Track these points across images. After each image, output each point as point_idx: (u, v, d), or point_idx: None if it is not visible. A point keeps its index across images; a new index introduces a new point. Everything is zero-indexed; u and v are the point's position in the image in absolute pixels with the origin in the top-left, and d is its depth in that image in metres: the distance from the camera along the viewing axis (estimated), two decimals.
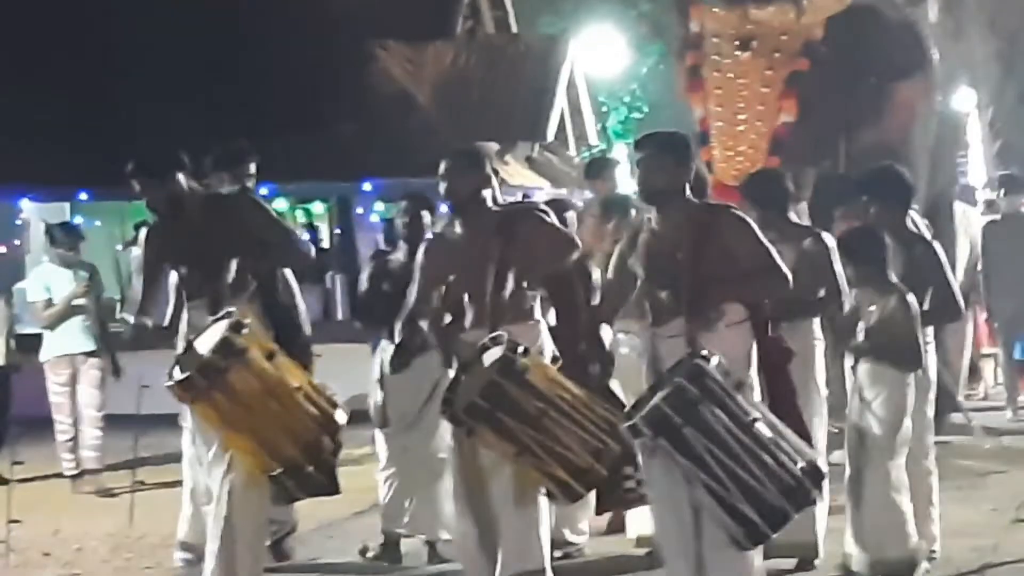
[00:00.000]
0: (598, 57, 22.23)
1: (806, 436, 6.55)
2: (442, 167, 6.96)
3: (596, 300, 7.51)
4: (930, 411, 7.50)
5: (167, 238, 7.31)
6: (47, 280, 11.17)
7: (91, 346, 11.03)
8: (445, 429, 7.03)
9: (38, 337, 11.26)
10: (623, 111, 26.89)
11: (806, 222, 8.74)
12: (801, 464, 5.95)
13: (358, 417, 8.01)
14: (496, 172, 8.16)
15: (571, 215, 8.12)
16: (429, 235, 7.68)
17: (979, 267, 12.76)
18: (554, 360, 6.84)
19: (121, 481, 10.52)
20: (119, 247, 16.47)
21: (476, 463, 6.69)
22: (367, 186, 16.07)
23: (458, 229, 6.98)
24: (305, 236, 16.25)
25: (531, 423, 6.36)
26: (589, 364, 7.32)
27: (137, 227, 15.20)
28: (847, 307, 7.48)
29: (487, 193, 6.96)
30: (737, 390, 6.00)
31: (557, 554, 7.53)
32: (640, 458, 6.27)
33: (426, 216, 8.33)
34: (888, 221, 7.46)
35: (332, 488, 6.98)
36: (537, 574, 6.67)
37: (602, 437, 6.45)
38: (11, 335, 11.74)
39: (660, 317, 6.51)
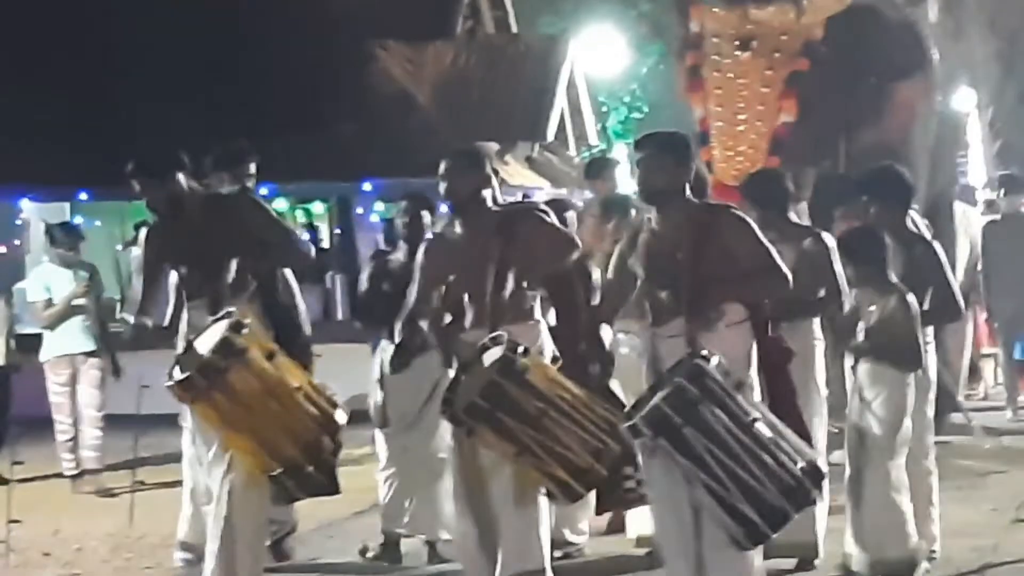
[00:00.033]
0: (598, 57, 22.23)
1: (806, 436, 6.55)
2: (442, 167, 6.96)
3: (596, 300, 7.51)
4: (930, 411, 7.50)
5: (167, 238, 7.31)
6: (47, 280, 11.17)
7: (91, 346, 11.03)
8: (445, 429, 7.03)
9: (38, 337, 11.26)
10: (623, 111, 26.89)
11: (806, 222, 8.74)
12: (801, 464, 5.95)
13: (358, 417, 8.01)
14: (496, 172, 8.15)
15: (571, 215, 8.12)
16: (429, 235, 7.68)
17: (979, 267, 12.76)
18: (554, 360, 6.84)
19: (121, 481, 10.52)
20: (119, 247, 16.47)
21: (476, 463, 6.69)
22: (367, 186, 16.07)
23: (458, 229, 6.98)
24: (305, 236, 16.24)
25: (531, 423, 6.36)
26: (589, 364, 7.32)
27: (137, 227, 15.20)
28: (847, 307, 7.47)
29: (487, 193, 6.96)
30: (737, 390, 6.00)
31: (557, 554, 7.53)
32: (640, 458, 6.27)
33: (426, 216, 8.33)
34: (888, 221, 7.45)
35: (332, 488, 6.98)
36: (537, 574, 6.67)
37: (602, 437, 6.45)
38: (11, 335, 11.74)
39: (660, 317, 6.50)
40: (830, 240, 7.67)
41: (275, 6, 17.07)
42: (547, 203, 7.91)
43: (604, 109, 25.67)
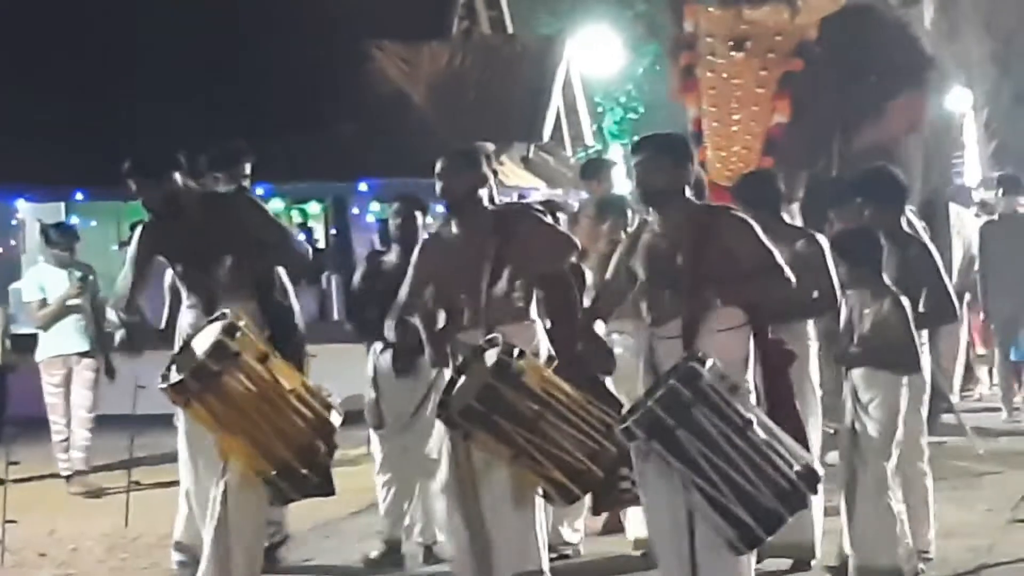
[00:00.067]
0: (594, 57, 22.20)
1: (804, 439, 6.54)
2: (438, 166, 6.97)
3: (588, 301, 7.49)
4: (924, 413, 7.50)
5: (162, 236, 7.29)
6: (42, 280, 11.16)
7: (85, 346, 11.02)
8: (440, 430, 7.03)
9: (34, 337, 11.26)
10: (619, 112, 26.89)
11: (799, 223, 8.75)
12: (796, 467, 5.95)
13: (354, 417, 8.01)
14: (496, 172, 8.15)
15: (562, 216, 8.12)
16: (425, 235, 7.68)
17: (974, 268, 12.77)
18: (550, 360, 6.84)
19: (117, 481, 10.51)
20: (115, 247, 16.46)
21: (470, 464, 6.69)
22: (363, 186, 16.05)
23: (454, 229, 6.98)
24: (300, 236, 16.22)
25: (527, 426, 6.36)
26: (589, 361, 7.28)
27: (133, 227, 15.11)
28: (842, 308, 7.46)
29: (483, 193, 6.96)
30: (732, 393, 6.00)
31: (553, 555, 7.53)
32: (634, 460, 6.28)
33: (419, 217, 8.33)
34: (882, 223, 7.45)
35: (327, 489, 6.97)
36: (535, 575, 6.67)
37: (598, 439, 6.45)
38: (7, 335, 11.74)
39: (659, 318, 6.49)
40: (824, 241, 7.67)
41: (273, 6, 17.05)
42: (538, 204, 7.92)
43: (600, 110, 25.65)
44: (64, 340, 11.02)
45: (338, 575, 8.33)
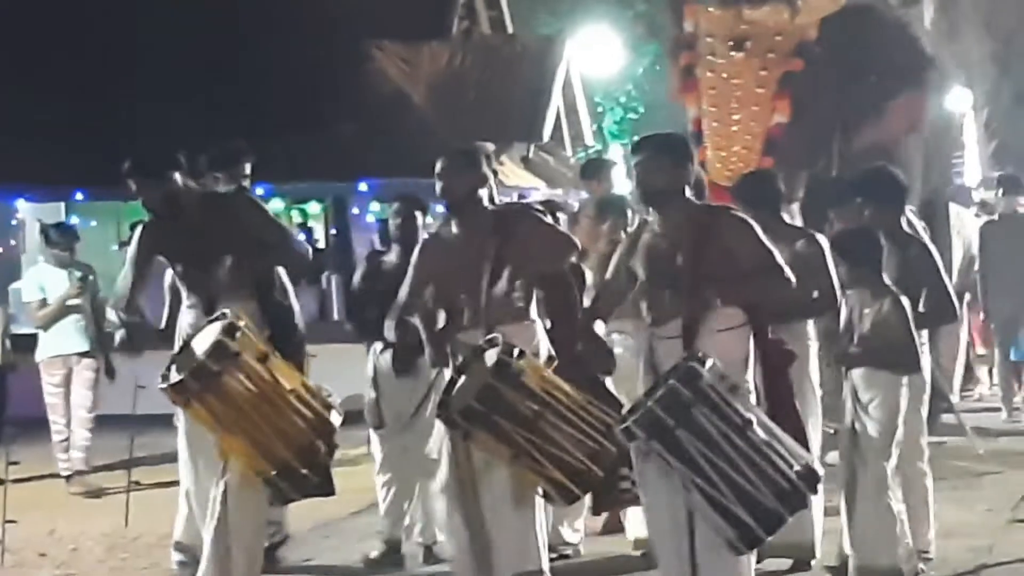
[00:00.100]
0: (594, 57, 22.20)
1: (804, 439, 6.53)
2: (438, 166, 6.97)
3: (588, 301, 7.49)
4: (924, 412, 7.50)
5: (162, 236, 7.28)
6: (42, 280, 11.17)
7: (85, 346, 11.03)
8: (440, 429, 7.02)
9: (34, 337, 11.26)
10: (619, 112, 26.88)
11: (798, 223, 8.75)
12: (796, 467, 5.95)
13: (354, 417, 8.00)
14: (496, 172, 8.15)
15: (561, 216, 8.11)
16: (426, 235, 7.68)
17: (974, 268, 12.77)
18: (550, 360, 6.84)
19: (117, 481, 10.51)
20: (115, 247, 16.46)
21: (470, 464, 6.68)
22: (363, 186, 16.05)
23: (454, 228, 6.98)
24: (301, 236, 16.22)
25: (527, 426, 6.36)
26: (589, 361, 7.28)
27: (133, 227, 15.11)
28: (842, 307, 7.46)
29: (483, 192, 6.96)
30: (732, 393, 6.00)
31: (553, 555, 7.53)
32: (634, 460, 6.28)
33: (419, 217, 8.33)
34: (882, 223, 7.45)
35: (327, 489, 6.97)
36: (535, 575, 6.67)
37: (598, 439, 6.45)
38: (7, 335, 11.74)
39: (659, 318, 6.49)
40: (823, 241, 7.67)
41: (273, 6, 17.05)
42: (537, 204, 7.92)
43: (600, 109, 25.64)
44: (64, 340, 11.02)
45: (338, 575, 8.32)
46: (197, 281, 7.20)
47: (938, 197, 11.83)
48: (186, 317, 7.29)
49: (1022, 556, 7.87)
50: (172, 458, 7.80)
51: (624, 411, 6.28)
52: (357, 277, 8.53)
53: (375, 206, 16.43)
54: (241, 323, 6.74)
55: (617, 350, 7.70)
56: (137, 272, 7.26)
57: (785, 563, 7.57)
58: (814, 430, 7.56)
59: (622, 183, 11.42)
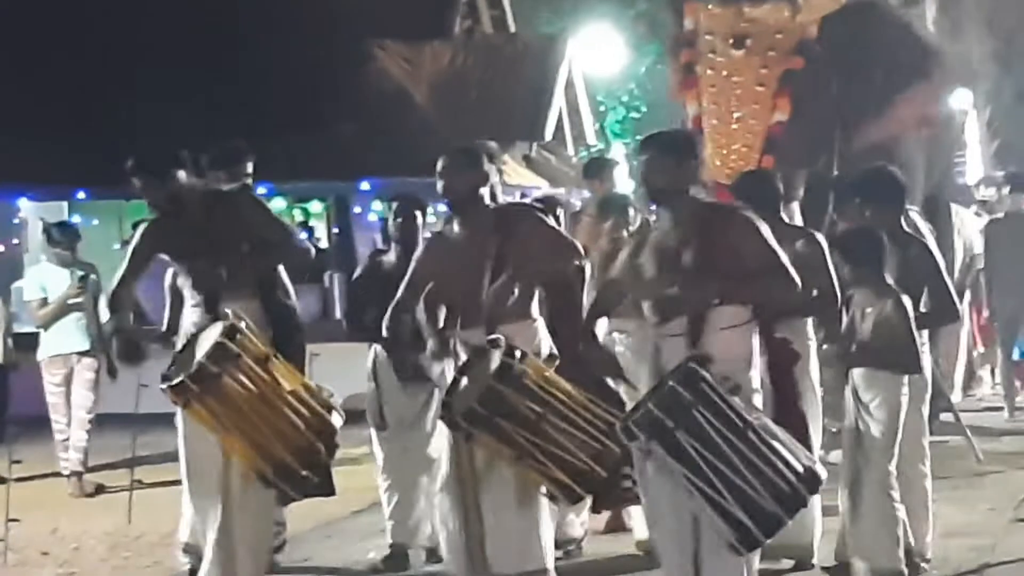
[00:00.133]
0: (596, 56, 22.18)
1: (807, 440, 6.52)
2: (439, 165, 6.95)
3: (589, 300, 7.48)
4: (925, 412, 7.49)
5: (165, 234, 7.27)
6: (43, 279, 11.17)
7: (86, 346, 11.02)
8: (442, 430, 7.01)
9: (36, 336, 11.27)
10: (621, 110, 26.85)
11: (798, 222, 8.74)
12: (797, 469, 5.94)
13: (355, 417, 7.98)
14: (500, 171, 8.14)
15: (561, 213, 8.11)
16: (428, 234, 7.67)
17: (975, 268, 12.76)
18: (551, 358, 6.83)
19: (119, 480, 10.52)
20: (117, 246, 16.46)
21: (472, 464, 6.68)
22: (365, 185, 16.06)
23: (456, 227, 6.97)
24: (303, 235, 16.23)
25: (530, 427, 6.35)
26: (592, 364, 7.26)
27: (135, 226, 15.11)
28: (841, 307, 7.44)
29: (485, 191, 6.95)
30: (732, 393, 5.98)
31: (557, 553, 7.52)
32: (635, 460, 6.27)
33: (419, 217, 8.31)
34: (883, 223, 7.43)
35: (328, 489, 6.97)
36: (539, 574, 6.67)
37: (601, 439, 6.44)
38: (9, 334, 11.74)
39: (663, 316, 6.46)
40: (823, 241, 7.66)
41: (273, 6, 17.05)
42: (537, 200, 7.91)
43: (602, 108, 25.61)
44: (65, 339, 11.02)
45: (339, 574, 8.32)
46: (200, 280, 7.19)
47: (939, 196, 11.82)
48: (189, 316, 7.27)
49: None
50: (174, 457, 7.76)
51: (628, 411, 6.27)
52: (355, 277, 8.52)
53: (377, 205, 16.44)
54: (242, 324, 6.73)
55: (619, 349, 7.71)
56: (131, 266, 7.22)
57: (785, 563, 7.57)
58: (814, 429, 7.55)
59: (624, 182, 11.43)
